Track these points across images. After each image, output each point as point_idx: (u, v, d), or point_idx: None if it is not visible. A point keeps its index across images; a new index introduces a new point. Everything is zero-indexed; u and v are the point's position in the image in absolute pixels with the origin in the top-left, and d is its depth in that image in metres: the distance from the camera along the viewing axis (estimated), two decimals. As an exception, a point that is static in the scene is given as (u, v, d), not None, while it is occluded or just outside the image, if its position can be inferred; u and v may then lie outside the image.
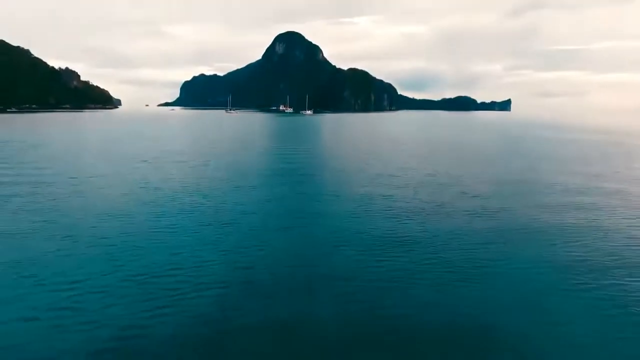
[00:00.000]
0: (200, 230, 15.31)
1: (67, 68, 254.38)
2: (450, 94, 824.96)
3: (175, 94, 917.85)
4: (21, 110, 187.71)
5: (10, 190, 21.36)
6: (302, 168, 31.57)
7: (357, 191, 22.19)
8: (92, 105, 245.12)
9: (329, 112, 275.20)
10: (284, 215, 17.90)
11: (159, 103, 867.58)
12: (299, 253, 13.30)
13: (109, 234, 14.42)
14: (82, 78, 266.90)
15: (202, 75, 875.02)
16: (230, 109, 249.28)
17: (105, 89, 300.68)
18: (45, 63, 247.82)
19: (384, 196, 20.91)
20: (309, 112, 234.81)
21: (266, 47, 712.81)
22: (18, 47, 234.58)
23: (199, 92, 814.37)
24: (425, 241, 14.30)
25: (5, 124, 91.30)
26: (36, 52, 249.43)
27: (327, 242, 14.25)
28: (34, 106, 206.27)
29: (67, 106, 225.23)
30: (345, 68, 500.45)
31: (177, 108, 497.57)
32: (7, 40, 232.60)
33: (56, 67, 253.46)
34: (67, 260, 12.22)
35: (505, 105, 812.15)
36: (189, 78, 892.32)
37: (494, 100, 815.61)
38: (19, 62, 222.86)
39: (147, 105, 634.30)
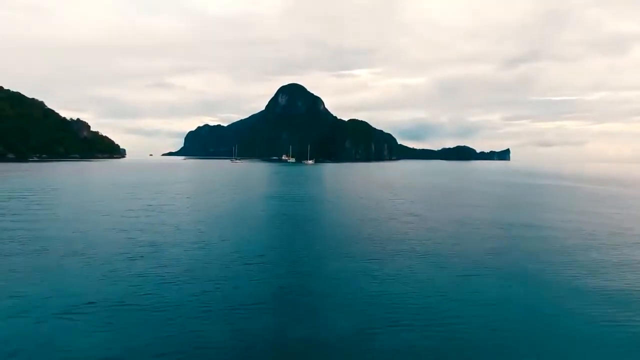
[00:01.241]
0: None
1: (78, 119, 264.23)
2: (450, 144, 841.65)
3: (178, 144, 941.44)
4: (42, 159, 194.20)
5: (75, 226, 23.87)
6: (301, 204, 34.25)
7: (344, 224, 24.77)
8: (100, 155, 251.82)
9: (330, 162, 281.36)
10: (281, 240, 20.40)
11: (163, 153, 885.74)
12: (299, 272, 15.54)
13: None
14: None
15: (207, 126, 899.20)
16: (236, 159, 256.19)
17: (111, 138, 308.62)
18: (57, 114, 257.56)
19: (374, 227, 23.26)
20: (310, 161, 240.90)
21: (269, 99, 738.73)
22: (33, 99, 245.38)
23: (203, 142, 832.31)
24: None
25: (48, 171, 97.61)
26: (46, 103, 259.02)
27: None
28: (44, 155, 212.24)
29: (76, 156, 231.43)
30: (346, 119, 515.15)
31: (180, 158, 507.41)
32: (22, 93, 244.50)
33: (65, 117, 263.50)
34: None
35: (504, 155, 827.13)
36: (193, 128, 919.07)
37: (493, 149, 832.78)
38: (32, 113, 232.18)
39: (151, 155, 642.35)
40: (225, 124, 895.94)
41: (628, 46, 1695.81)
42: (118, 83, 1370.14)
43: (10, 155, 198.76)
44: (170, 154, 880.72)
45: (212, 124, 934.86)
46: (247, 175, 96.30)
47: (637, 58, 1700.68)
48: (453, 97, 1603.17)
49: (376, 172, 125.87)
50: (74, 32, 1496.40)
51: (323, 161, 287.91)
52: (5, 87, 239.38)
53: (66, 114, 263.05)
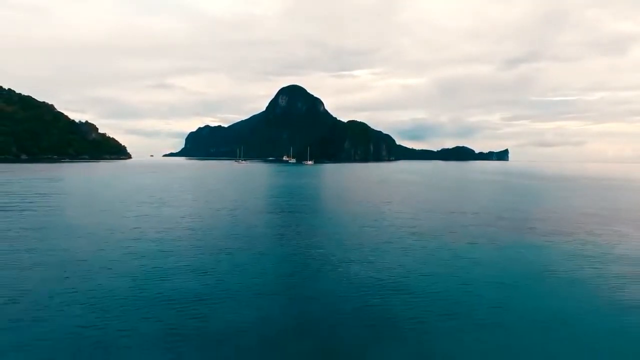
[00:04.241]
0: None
1: (86, 121, 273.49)
2: (449, 144, 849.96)
3: (179, 145, 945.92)
4: (72, 160, 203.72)
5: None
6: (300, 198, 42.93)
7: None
8: (108, 156, 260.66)
9: (329, 162, 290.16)
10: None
11: (164, 153, 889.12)
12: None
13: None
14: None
15: (207, 127, 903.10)
16: (241, 160, 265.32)
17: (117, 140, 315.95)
18: (66, 116, 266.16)
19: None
20: (309, 162, 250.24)
21: (269, 99, 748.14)
22: (43, 102, 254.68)
23: (204, 143, 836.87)
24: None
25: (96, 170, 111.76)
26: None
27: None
28: (54, 157, 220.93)
29: (86, 157, 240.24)
30: (345, 119, 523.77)
31: (182, 158, 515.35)
32: (33, 96, 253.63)
33: (74, 119, 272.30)
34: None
35: (502, 155, 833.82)
36: (193, 129, 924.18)
37: (492, 150, 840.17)
38: (43, 116, 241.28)
39: (151, 156, 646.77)
40: (225, 125, 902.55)
41: (628, 46, 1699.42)
42: (118, 84, 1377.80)
43: (24, 157, 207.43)
44: (171, 154, 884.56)
45: (212, 124, 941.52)
46: (260, 175, 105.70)
47: (636, 58, 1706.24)
48: (453, 97, 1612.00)
49: (368, 172, 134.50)
50: (74, 32, 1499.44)
51: (323, 162, 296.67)
52: (5, 87, 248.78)
53: (67, 114, 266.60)
